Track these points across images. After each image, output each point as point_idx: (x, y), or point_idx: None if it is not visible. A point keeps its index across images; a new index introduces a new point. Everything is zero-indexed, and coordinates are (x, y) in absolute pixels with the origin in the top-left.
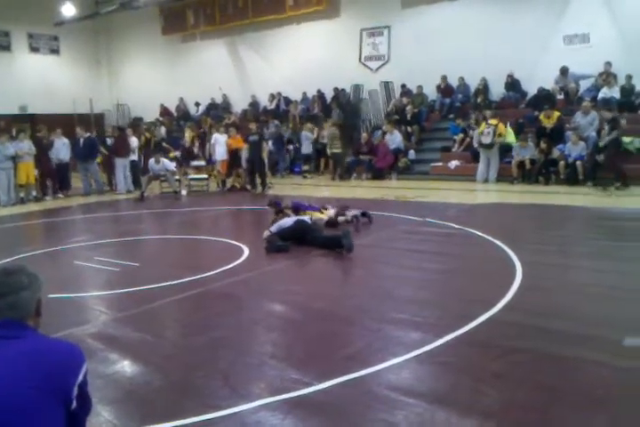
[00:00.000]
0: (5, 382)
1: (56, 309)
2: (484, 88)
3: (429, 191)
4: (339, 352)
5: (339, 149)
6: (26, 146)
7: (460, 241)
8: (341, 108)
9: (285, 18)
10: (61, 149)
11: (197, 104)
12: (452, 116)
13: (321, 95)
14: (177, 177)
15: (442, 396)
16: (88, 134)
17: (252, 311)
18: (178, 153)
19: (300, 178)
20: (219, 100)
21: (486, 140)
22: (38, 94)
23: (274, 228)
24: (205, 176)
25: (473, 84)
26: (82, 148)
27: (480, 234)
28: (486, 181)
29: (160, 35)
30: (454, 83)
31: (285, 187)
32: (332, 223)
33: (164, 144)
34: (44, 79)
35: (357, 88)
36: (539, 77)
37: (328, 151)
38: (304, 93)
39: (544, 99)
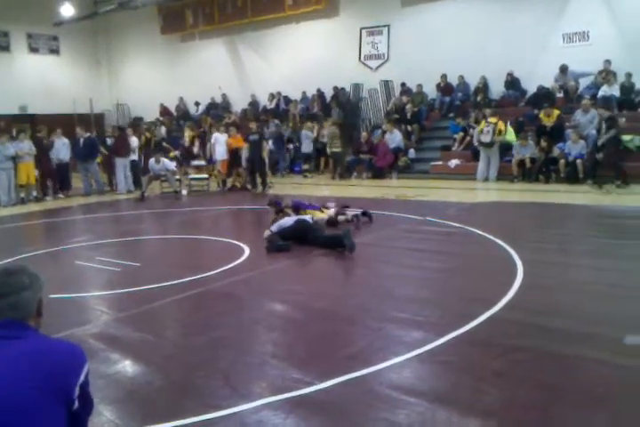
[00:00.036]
0: (7, 382)
1: (57, 309)
2: (483, 86)
3: (429, 190)
4: (340, 352)
5: (338, 148)
6: (26, 146)
7: (460, 240)
8: (341, 108)
9: (284, 17)
10: (61, 149)
11: (197, 104)
12: (451, 114)
13: (320, 94)
14: (177, 177)
15: (443, 395)
16: (88, 134)
17: (253, 311)
18: (178, 153)
19: (300, 177)
20: (218, 99)
21: (486, 138)
22: (38, 94)
23: (274, 227)
24: (206, 176)
25: (473, 82)
26: (82, 148)
27: (480, 233)
28: (486, 179)
29: (159, 34)
30: (454, 81)
31: (286, 186)
32: (332, 222)
33: (164, 144)
34: (44, 79)
35: (357, 87)
36: (538, 76)
37: (328, 150)
38: (304, 93)
39: (544, 97)
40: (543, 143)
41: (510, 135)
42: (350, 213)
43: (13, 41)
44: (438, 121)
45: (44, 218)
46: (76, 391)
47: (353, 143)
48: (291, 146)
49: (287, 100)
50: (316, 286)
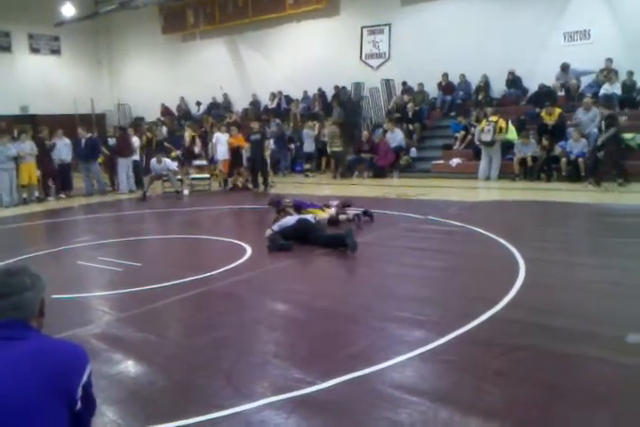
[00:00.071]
0: (9, 382)
1: (59, 309)
2: (484, 85)
3: (431, 189)
4: (342, 351)
5: (339, 147)
6: (27, 147)
7: (461, 239)
8: (342, 107)
9: (285, 16)
10: (63, 149)
11: (198, 103)
12: (453, 113)
13: (322, 93)
14: (179, 177)
15: (445, 394)
16: (89, 135)
17: (255, 311)
18: (179, 153)
19: (301, 177)
20: (220, 99)
21: (487, 137)
22: (39, 95)
23: (276, 227)
24: (207, 176)
25: (474, 81)
26: (83, 148)
27: (482, 231)
28: (488, 178)
29: (160, 34)
30: (455, 80)
31: (287, 186)
32: (333, 222)
33: (165, 144)
34: (45, 80)
35: (358, 86)
36: (539, 74)
37: (328, 150)
38: (305, 92)
39: (545, 95)
40: (545, 142)
41: (512, 134)
42: (351, 212)
43: (15, 41)
44: (439, 120)
45: (45, 218)
46: (79, 392)
47: (354, 142)
48: (292, 145)
49: (288, 100)
50: (318, 286)
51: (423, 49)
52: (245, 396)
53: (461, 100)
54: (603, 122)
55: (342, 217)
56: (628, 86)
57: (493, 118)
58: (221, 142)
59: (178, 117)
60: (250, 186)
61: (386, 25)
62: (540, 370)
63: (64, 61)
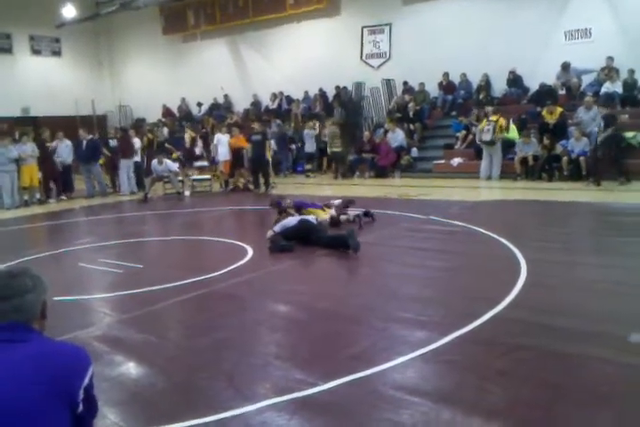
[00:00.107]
0: (10, 385)
1: (61, 311)
2: (485, 84)
3: (432, 189)
4: (344, 352)
5: (339, 147)
6: (29, 149)
7: (463, 239)
8: (343, 107)
9: (286, 16)
10: (64, 151)
11: (199, 104)
12: (454, 113)
13: (323, 94)
14: (180, 178)
15: (447, 394)
16: (91, 136)
17: (256, 312)
18: (180, 154)
19: (302, 177)
20: (221, 99)
21: (486, 137)
22: (40, 96)
23: (277, 227)
24: (208, 177)
25: (475, 80)
26: (85, 150)
27: (484, 231)
28: (489, 178)
29: (161, 35)
30: (456, 79)
31: (288, 186)
32: (334, 222)
33: (166, 145)
34: (46, 81)
35: (359, 86)
36: (540, 73)
37: (328, 150)
38: (306, 92)
39: (546, 94)
40: (546, 141)
41: (513, 133)
42: (352, 213)
43: (16, 43)
44: (441, 119)
45: (47, 220)
46: (81, 394)
47: (355, 142)
48: (293, 146)
49: (289, 100)
50: (319, 287)
51: (424, 49)
52: (247, 397)
53: (462, 100)
54: (601, 121)
55: (343, 218)
56: (630, 85)
57: (493, 118)
58: (222, 143)
59: (179, 118)
60: (251, 187)
61: (386, 25)
62: (542, 370)
63: (65, 63)
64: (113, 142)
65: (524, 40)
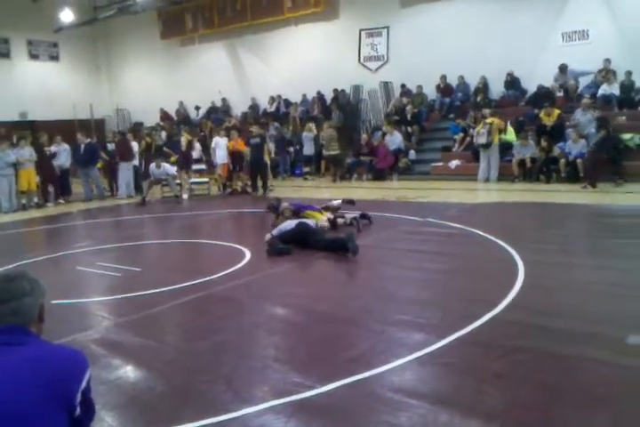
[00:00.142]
0: (8, 388)
1: (59, 315)
2: (483, 87)
3: (430, 191)
4: (342, 354)
5: (336, 150)
6: (27, 153)
7: (461, 241)
8: (341, 110)
9: (284, 20)
10: (62, 155)
11: (197, 108)
12: (452, 115)
13: (321, 97)
14: (178, 181)
15: (445, 397)
16: (89, 140)
17: (255, 315)
18: (178, 157)
19: (300, 180)
20: (219, 103)
21: (482, 139)
22: (38, 101)
23: (275, 231)
24: (206, 180)
25: (472, 82)
26: (83, 154)
27: (481, 233)
28: (487, 180)
29: (159, 39)
30: (454, 82)
31: (286, 189)
32: (332, 225)
33: (164, 149)
34: (44, 86)
35: (357, 89)
36: (538, 75)
37: (324, 153)
38: (304, 95)
39: (544, 96)
40: (543, 143)
41: (510, 135)
42: (349, 215)
43: (13, 48)
44: (438, 122)
45: (45, 224)
46: (78, 398)
47: (353, 145)
48: (291, 149)
49: (287, 103)
50: (317, 289)
51: (421, 51)
52: (245, 400)
53: (460, 102)
54: (594, 124)
55: (340, 221)
56: (627, 87)
57: (489, 120)
58: (220, 146)
59: (177, 122)
60: (249, 190)
61: (384, 28)
62: (539, 372)
63: (63, 67)
64: (111, 146)
65: (521, 42)
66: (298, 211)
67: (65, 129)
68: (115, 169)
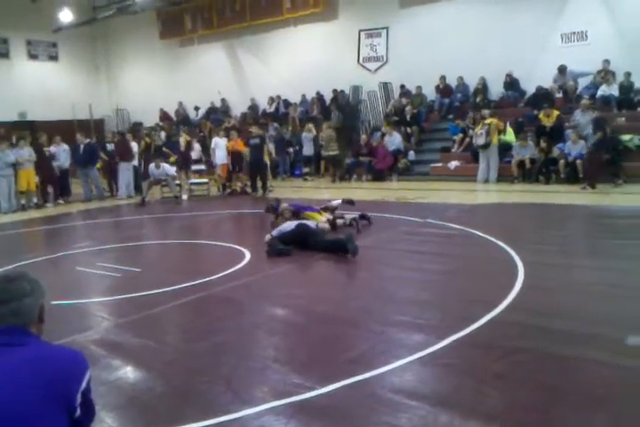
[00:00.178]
0: (8, 389)
1: (58, 315)
2: (482, 88)
3: (430, 192)
4: (341, 355)
5: (335, 151)
6: (26, 153)
7: (460, 242)
8: (340, 110)
9: (283, 20)
10: (61, 155)
11: (197, 108)
12: (451, 116)
13: (320, 97)
14: (177, 182)
15: (445, 398)
16: (88, 140)
17: (254, 316)
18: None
19: (300, 181)
20: (218, 103)
21: (480, 140)
22: (37, 101)
23: (275, 232)
24: (206, 180)
25: (472, 83)
26: (82, 154)
27: (481, 234)
28: (487, 181)
29: (158, 39)
30: (453, 83)
31: (286, 190)
32: (332, 226)
33: (164, 149)
34: (43, 86)
35: (356, 89)
36: (537, 76)
37: (323, 153)
38: (303, 96)
39: (543, 97)
40: (543, 144)
41: (510, 136)
42: (348, 216)
43: (13, 48)
44: (438, 123)
45: (44, 224)
46: (78, 399)
47: (353, 146)
48: (291, 149)
49: (287, 104)
50: (317, 290)
51: (421, 52)
52: (245, 401)
53: (459, 103)
54: (591, 125)
55: (339, 222)
56: (626, 87)
57: (488, 121)
58: (220, 147)
59: (176, 122)
60: (248, 190)
61: (383, 28)
62: (539, 373)
63: (62, 67)
64: (110, 146)
65: (520, 43)
66: (297, 212)
67: (64, 129)
68: (114, 169)
